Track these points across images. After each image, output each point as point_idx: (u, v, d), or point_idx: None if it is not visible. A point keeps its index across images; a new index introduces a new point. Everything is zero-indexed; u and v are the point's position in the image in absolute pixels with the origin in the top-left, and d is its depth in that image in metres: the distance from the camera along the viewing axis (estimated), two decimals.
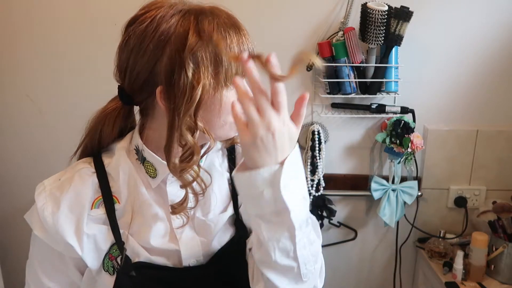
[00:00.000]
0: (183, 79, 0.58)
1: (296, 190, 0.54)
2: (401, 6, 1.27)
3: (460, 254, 1.33)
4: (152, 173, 0.69)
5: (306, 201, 0.57)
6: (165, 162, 0.63)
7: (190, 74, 0.57)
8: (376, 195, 1.45)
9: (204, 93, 0.58)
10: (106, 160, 0.71)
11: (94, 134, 0.72)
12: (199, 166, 0.65)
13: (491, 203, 1.42)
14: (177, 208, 0.66)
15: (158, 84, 0.60)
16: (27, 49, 1.49)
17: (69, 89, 1.52)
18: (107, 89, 1.66)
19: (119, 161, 0.69)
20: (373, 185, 1.45)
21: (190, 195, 0.66)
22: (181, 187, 0.65)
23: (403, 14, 1.27)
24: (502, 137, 1.46)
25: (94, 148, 0.73)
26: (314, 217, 0.68)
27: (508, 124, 1.47)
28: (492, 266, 1.34)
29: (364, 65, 1.36)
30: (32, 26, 1.47)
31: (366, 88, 1.40)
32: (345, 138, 1.50)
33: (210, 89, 0.59)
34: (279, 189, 0.51)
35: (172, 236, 0.69)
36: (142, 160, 0.69)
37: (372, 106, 1.41)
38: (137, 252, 0.67)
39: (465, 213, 1.50)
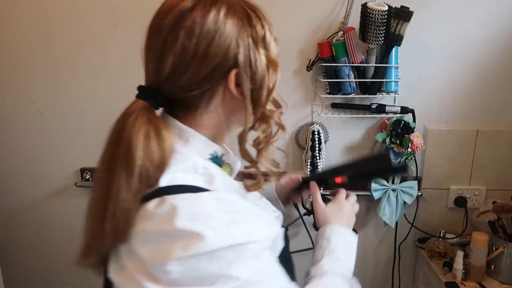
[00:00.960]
0: (260, 62, 0.61)
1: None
2: (401, 6, 1.27)
3: (460, 254, 1.33)
4: (229, 173, 0.69)
5: None
6: (235, 157, 0.68)
7: (263, 57, 0.62)
8: (376, 195, 1.45)
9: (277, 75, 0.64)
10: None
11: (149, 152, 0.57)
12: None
13: (491, 203, 1.42)
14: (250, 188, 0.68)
15: (231, 69, 0.60)
16: (27, 49, 1.49)
17: (69, 89, 1.52)
18: (107, 89, 1.67)
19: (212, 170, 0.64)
20: (373, 185, 1.45)
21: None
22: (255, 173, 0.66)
23: (403, 14, 1.27)
24: (502, 137, 1.46)
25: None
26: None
27: (508, 124, 1.47)
28: (492, 266, 1.34)
29: (364, 65, 1.36)
30: (32, 26, 1.47)
31: (366, 88, 1.39)
32: (345, 138, 1.50)
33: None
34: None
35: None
36: (219, 164, 0.67)
37: (372, 106, 1.41)
38: None
39: (465, 213, 1.50)
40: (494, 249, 1.33)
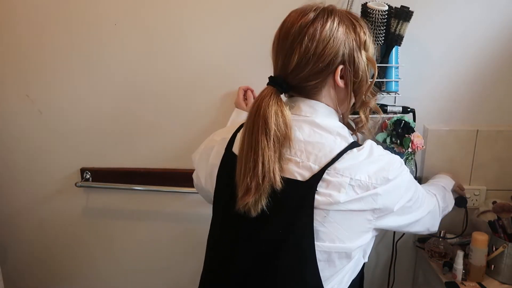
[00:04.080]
0: (361, 60, 0.85)
1: None
2: (401, 6, 1.27)
3: (460, 254, 1.33)
4: None
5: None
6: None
7: (364, 57, 0.85)
8: None
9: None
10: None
11: (277, 124, 0.81)
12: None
13: (491, 203, 1.42)
14: None
15: (338, 65, 0.83)
16: (27, 49, 1.49)
17: (69, 89, 1.52)
18: (107, 89, 1.67)
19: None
20: None
21: None
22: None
23: (403, 14, 1.27)
24: (502, 137, 1.46)
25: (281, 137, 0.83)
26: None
27: (508, 124, 1.47)
28: (492, 266, 1.34)
29: None
30: (32, 26, 1.47)
31: None
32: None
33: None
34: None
35: None
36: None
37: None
38: None
39: (465, 213, 1.50)
40: (494, 249, 1.33)
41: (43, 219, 1.67)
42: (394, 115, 1.41)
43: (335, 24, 0.82)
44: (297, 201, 0.80)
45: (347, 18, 0.85)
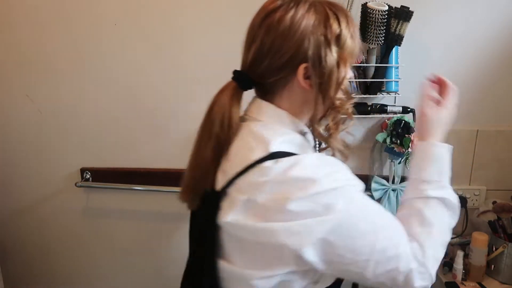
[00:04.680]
0: (330, 59, 0.69)
1: None
2: (401, 6, 1.27)
3: (460, 254, 1.33)
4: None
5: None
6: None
7: (335, 54, 0.70)
8: (376, 195, 1.45)
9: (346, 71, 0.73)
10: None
11: (223, 120, 0.73)
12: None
13: (491, 203, 1.43)
14: None
15: (301, 63, 0.70)
16: (27, 49, 1.49)
17: (69, 89, 1.52)
18: (107, 89, 1.67)
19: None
20: (373, 185, 1.45)
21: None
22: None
23: (403, 14, 1.27)
24: (502, 137, 1.46)
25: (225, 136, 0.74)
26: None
27: (508, 124, 1.47)
28: (492, 266, 1.34)
29: (365, 65, 1.36)
30: (32, 26, 1.47)
31: (367, 88, 1.39)
32: (345, 138, 1.50)
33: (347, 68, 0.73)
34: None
35: None
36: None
37: (373, 106, 1.41)
38: None
39: (465, 213, 1.50)
40: (494, 249, 1.33)
41: (43, 219, 1.67)
42: (394, 115, 1.41)
43: (300, 14, 0.69)
44: (209, 211, 0.71)
45: (321, 8, 0.71)
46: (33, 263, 1.73)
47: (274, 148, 0.67)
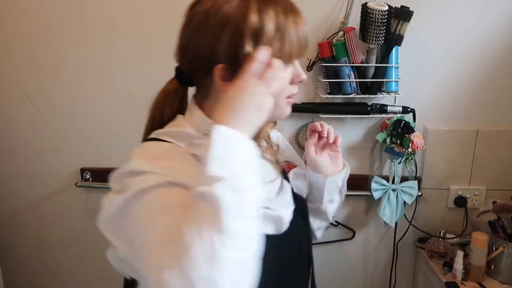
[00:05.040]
0: (244, 57, 0.60)
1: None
2: (401, 6, 1.27)
3: (460, 254, 1.33)
4: None
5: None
6: None
7: (249, 50, 0.61)
8: (376, 195, 1.45)
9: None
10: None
11: (155, 114, 0.73)
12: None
13: (491, 203, 1.42)
14: None
15: (218, 62, 0.62)
16: (27, 49, 1.49)
17: (69, 89, 1.52)
18: (107, 89, 1.67)
19: None
20: (373, 185, 1.45)
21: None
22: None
23: (403, 14, 1.27)
24: (502, 137, 1.46)
25: (156, 129, 0.72)
26: None
27: (508, 124, 1.47)
28: (492, 266, 1.34)
29: (365, 65, 1.36)
30: (32, 26, 1.47)
31: (367, 88, 1.39)
32: (345, 138, 1.50)
33: None
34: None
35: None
36: None
37: (373, 106, 1.41)
38: None
39: (465, 213, 1.50)
40: (494, 249, 1.33)
41: (43, 219, 1.67)
42: (394, 115, 1.41)
43: (217, 6, 0.62)
44: None
45: (243, 1, 0.62)
46: (33, 263, 1.73)
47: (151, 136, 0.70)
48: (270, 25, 0.62)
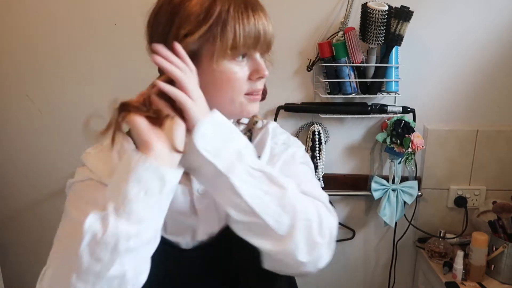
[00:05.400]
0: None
1: (218, 142, 0.57)
2: (401, 6, 1.27)
3: (460, 254, 1.33)
4: None
5: (248, 154, 0.60)
6: None
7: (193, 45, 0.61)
8: (376, 195, 1.45)
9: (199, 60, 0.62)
10: None
11: None
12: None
13: (491, 203, 1.42)
14: None
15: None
16: (27, 49, 1.49)
17: (69, 89, 1.52)
18: (107, 89, 1.67)
19: None
20: (373, 185, 1.45)
21: None
22: None
23: (403, 14, 1.27)
24: (502, 137, 1.46)
25: None
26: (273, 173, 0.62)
27: (508, 124, 1.47)
28: (492, 266, 1.34)
29: (365, 65, 1.36)
30: (32, 26, 1.46)
31: (367, 88, 1.39)
32: (345, 138, 1.50)
33: (207, 58, 0.62)
34: (194, 142, 0.56)
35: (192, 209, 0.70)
36: None
37: (373, 106, 1.41)
38: None
39: (465, 213, 1.50)
40: (494, 249, 1.33)
41: (43, 219, 1.67)
42: (394, 115, 1.41)
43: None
44: None
45: None
46: (33, 263, 1.73)
47: None
48: (198, 10, 0.61)
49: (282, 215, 0.59)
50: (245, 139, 0.62)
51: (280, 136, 0.79)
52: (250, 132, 0.79)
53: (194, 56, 0.62)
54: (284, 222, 0.59)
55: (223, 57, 0.62)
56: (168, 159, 0.55)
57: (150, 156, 0.53)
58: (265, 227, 0.58)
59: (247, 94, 0.68)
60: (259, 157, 0.71)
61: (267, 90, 0.75)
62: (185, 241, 0.72)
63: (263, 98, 0.74)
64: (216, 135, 0.58)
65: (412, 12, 1.27)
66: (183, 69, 0.58)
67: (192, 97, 0.57)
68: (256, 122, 0.78)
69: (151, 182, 0.53)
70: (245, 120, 0.79)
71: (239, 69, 0.65)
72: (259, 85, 0.68)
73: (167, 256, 0.67)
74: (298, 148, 0.79)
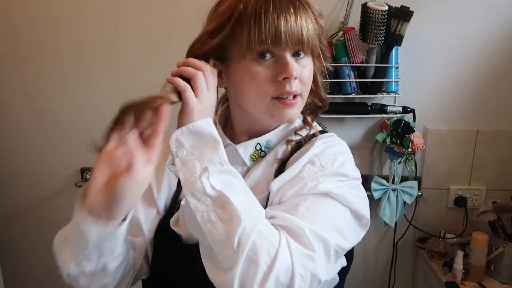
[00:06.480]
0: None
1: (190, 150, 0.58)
2: (401, 6, 1.27)
3: (460, 254, 1.33)
4: None
5: (215, 172, 0.56)
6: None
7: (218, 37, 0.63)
8: (376, 195, 1.45)
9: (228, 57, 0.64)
10: None
11: None
12: None
13: (491, 203, 1.42)
14: None
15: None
16: (27, 49, 1.49)
17: (69, 89, 1.52)
18: (107, 89, 1.67)
19: None
20: (373, 185, 1.45)
21: None
22: None
23: (403, 14, 1.27)
24: (502, 137, 1.46)
25: None
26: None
27: (508, 124, 1.47)
28: (492, 266, 1.34)
29: (365, 65, 1.36)
30: (32, 26, 1.46)
31: (367, 88, 1.39)
32: (345, 138, 1.49)
33: (232, 59, 0.63)
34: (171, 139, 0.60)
35: None
36: None
37: (373, 106, 1.41)
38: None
39: (465, 213, 1.50)
40: (494, 249, 1.33)
41: (43, 219, 1.67)
42: (394, 115, 1.41)
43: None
44: None
45: None
46: (33, 263, 1.73)
47: None
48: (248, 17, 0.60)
49: (228, 248, 0.52)
50: (221, 155, 0.57)
51: (325, 159, 0.71)
52: (300, 143, 0.72)
53: (222, 57, 0.63)
54: (229, 255, 0.53)
55: (243, 56, 0.61)
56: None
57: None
58: (210, 251, 0.54)
59: (275, 98, 0.63)
60: (282, 171, 0.66)
61: (325, 97, 0.73)
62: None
63: (321, 107, 0.73)
64: (190, 142, 0.57)
65: (412, 12, 1.27)
66: (202, 67, 0.60)
67: (199, 96, 0.59)
68: (308, 132, 0.74)
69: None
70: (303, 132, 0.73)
71: (262, 69, 0.62)
72: (288, 87, 0.63)
73: (182, 251, 0.70)
74: (334, 178, 0.70)
